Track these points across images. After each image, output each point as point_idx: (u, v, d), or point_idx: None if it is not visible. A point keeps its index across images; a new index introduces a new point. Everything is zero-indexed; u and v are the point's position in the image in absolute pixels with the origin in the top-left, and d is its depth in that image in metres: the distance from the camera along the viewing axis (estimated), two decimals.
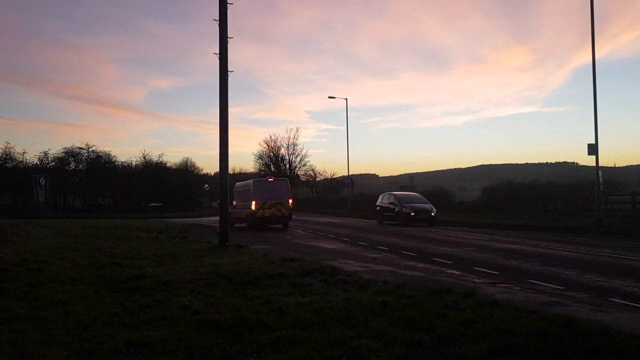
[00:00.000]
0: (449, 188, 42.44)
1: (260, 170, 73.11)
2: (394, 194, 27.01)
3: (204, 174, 68.47)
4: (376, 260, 11.78)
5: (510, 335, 4.59)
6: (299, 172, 68.39)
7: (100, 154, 48.21)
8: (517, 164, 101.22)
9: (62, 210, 41.63)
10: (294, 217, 25.64)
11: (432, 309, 5.70)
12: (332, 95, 45.16)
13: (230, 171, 18.80)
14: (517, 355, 4.16)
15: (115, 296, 7.07)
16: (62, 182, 44.53)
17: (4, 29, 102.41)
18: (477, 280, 8.69)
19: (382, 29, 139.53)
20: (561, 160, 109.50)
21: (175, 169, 55.97)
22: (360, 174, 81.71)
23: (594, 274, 9.19)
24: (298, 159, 67.99)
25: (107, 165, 48.44)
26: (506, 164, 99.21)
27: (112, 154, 55.22)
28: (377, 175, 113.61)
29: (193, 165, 64.90)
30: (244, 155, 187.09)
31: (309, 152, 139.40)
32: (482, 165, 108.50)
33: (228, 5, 15.00)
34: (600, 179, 21.43)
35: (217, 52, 15.08)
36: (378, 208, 27.54)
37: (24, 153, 44.53)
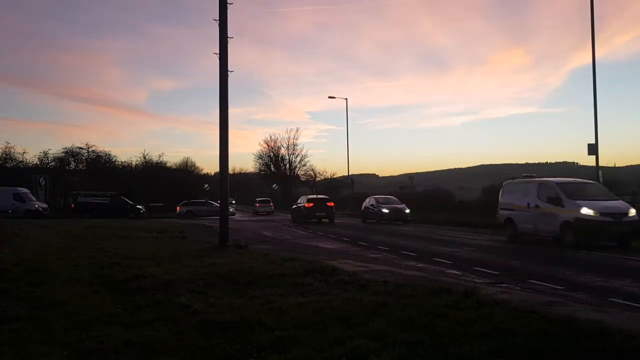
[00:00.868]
0: (449, 188, 42.53)
1: (260, 170, 73.29)
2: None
3: (204, 174, 68.63)
4: (376, 260, 11.78)
5: (510, 335, 4.59)
6: (299, 172, 68.55)
7: (100, 153, 48.29)
8: (517, 164, 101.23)
9: (62, 210, 41.61)
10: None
11: (432, 309, 5.70)
12: (332, 95, 45.25)
13: (230, 171, 18.81)
14: (517, 355, 4.16)
15: (115, 296, 7.07)
16: (62, 182, 44.53)
17: (10, 32, 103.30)
18: (477, 280, 8.69)
19: (382, 31, 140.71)
20: (561, 160, 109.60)
21: (175, 169, 56.01)
22: (360, 174, 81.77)
23: (593, 274, 9.19)
24: (298, 159, 68.18)
25: (107, 165, 48.46)
26: (506, 164, 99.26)
27: (112, 154, 55.21)
28: (377, 175, 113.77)
29: (193, 165, 65.10)
30: (245, 156, 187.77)
31: (310, 152, 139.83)
32: (482, 165, 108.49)
33: (228, 5, 15.01)
34: (600, 179, 21.42)
35: (217, 52, 15.10)
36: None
37: (24, 153, 44.60)
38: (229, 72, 15.15)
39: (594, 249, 12.81)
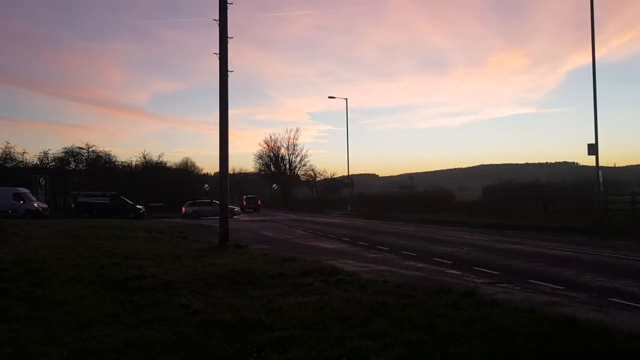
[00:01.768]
0: (449, 188, 42.45)
1: (260, 170, 73.29)
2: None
3: (204, 174, 68.55)
4: (376, 260, 11.78)
5: (510, 335, 4.59)
6: (299, 172, 68.53)
7: (100, 153, 48.27)
8: (517, 164, 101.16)
9: (62, 210, 41.62)
10: (293, 216, 25.73)
11: (432, 309, 5.70)
12: (332, 95, 45.29)
13: (230, 171, 18.81)
14: (517, 355, 4.16)
15: (115, 296, 7.07)
16: (62, 182, 44.54)
17: (15, 35, 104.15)
18: (477, 280, 8.69)
19: (382, 33, 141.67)
20: (561, 160, 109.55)
21: (175, 169, 56.00)
22: (360, 174, 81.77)
23: (594, 274, 9.19)
24: (298, 159, 68.16)
25: (107, 165, 48.45)
26: (506, 164, 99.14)
27: (113, 154, 55.26)
28: (377, 175, 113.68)
29: (193, 165, 65.00)
30: (245, 156, 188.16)
31: (310, 152, 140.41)
32: (482, 165, 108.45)
33: (228, 5, 15.04)
34: (600, 179, 21.43)
35: (217, 52, 15.11)
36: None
37: (23, 153, 44.62)
38: (229, 72, 15.17)
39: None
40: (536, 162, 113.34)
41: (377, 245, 14.97)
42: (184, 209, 37.22)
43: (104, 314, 5.91)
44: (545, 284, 8.30)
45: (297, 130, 78.71)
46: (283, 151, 69.15)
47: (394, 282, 7.67)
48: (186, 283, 7.78)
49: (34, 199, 33.62)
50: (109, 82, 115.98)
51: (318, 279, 7.98)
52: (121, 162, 50.61)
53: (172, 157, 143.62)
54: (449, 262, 11.20)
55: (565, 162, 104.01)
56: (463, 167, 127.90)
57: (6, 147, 43.25)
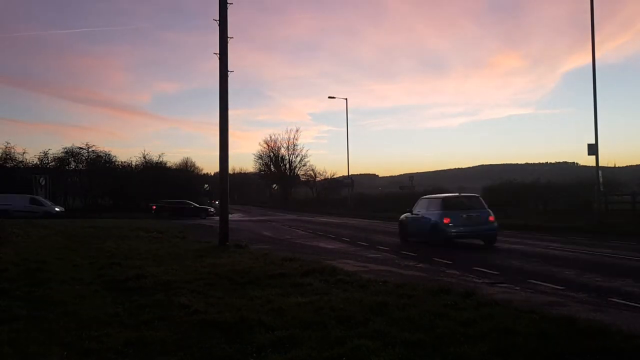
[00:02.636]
0: (449, 188, 42.42)
1: (260, 170, 73.30)
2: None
3: (204, 174, 68.62)
4: (376, 260, 11.78)
5: (510, 335, 4.59)
6: (299, 172, 68.55)
7: (100, 153, 48.24)
8: (517, 164, 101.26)
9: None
10: (293, 216, 25.61)
11: (432, 309, 5.70)
12: (332, 95, 45.29)
13: (230, 171, 18.82)
14: (517, 355, 4.16)
15: (115, 296, 7.07)
16: (62, 182, 44.52)
17: (20, 39, 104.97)
18: (477, 280, 8.69)
19: (381, 36, 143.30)
20: (561, 160, 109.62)
21: (175, 169, 55.96)
22: (360, 174, 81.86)
23: (594, 274, 9.19)
24: (298, 159, 68.18)
25: (107, 165, 48.44)
26: (506, 164, 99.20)
27: (113, 154, 55.24)
28: (377, 175, 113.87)
29: (193, 165, 65.05)
30: (246, 156, 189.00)
31: (311, 152, 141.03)
32: (482, 165, 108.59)
33: (228, 5, 15.05)
34: (600, 179, 21.42)
35: (218, 52, 15.12)
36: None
37: (24, 153, 44.62)
38: (229, 72, 15.18)
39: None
40: (536, 162, 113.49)
41: (377, 245, 14.97)
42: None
43: (104, 314, 5.90)
44: (545, 284, 8.29)
45: (297, 131, 78.74)
46: (283, 151, 69.23)
47: (394, 282, 7.66)
48: (186, 283, 7.78)
49: (50, 203, 36.62)
50: (111, 84, 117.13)
51: (318, 279, 7.98)
52: (121, 162, 50.64)
53: (173, 157, 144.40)
54: (449, 262, 11.20)
55: (565, 162, 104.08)
56: (463, 167, 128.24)
57: (6, 147, 43.26)
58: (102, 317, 5.75)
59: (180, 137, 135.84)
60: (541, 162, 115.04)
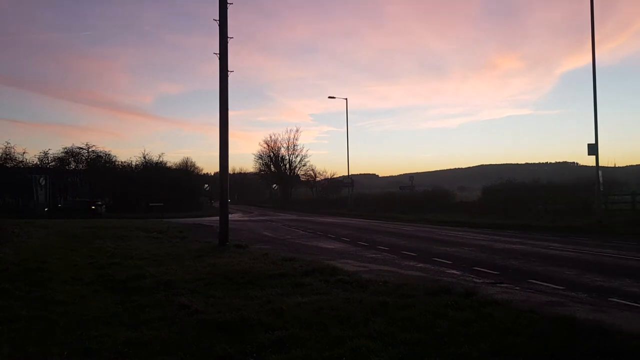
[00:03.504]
0: (449, 188, 42.49)
1: (260, 170, 73.28)
2: None
3: (204, 174, 68.66)
4: (376, 260, 11.78)
5: (510, 335, 4.59)
6: (299, 172, 68.53)
7: (100, 153, 48.32)
8: (517, 164, 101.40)
9: (62, 210, 41.60)
10: (293, 216, 25.62)
11: (432, 309, 5.70)
12: (332, 95, 45.32)
13: (230, 171, 18.82)
14: (517, 355, 4.16)
15: (115, 296, 7.07)
16: (62, 182, 44.53)
17: (26, 42, 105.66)
18: (477, 280, 8.69)
19: (381, 38, 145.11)
20: (561, 160, 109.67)
21: (175, 169, 56.00)
22: (360, 174, 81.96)
23: (594, 274, 9.19)
24: (298, 159, 68.13)
25: (107, 165, 48.48)
26: (506, 164, 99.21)
27: (113, 154, 55.31)
28: (377, 175, 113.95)
29: (193, 165, 65.07)
30: (247, 157, 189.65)
31: (311, 153, 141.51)
32: (482, 165, 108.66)
33: (228, 5, 15.06)
34: (600, 179, 21.43)
35: (218, 52, 15.13)
36: None
37: (24, 153, 44.61)
38: (229, 72, 15.18)
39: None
40: (536, 162, 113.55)
41: (377, 245, 14.97)
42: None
43: (104, 314, 5.91)
44: (545, 284, 8.29)
45: (297, 131, 78.58)
46: (283, 151, 69.21)
47: (394, 282, 7.66)
48: (186, 283, 7.78)
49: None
50: (114, 85, 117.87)
51: (318, 279, 7.98)
52: (121, 162, 50.68)
53: (175, 157, 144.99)
54: (449, 262, 11.20)
55: (565, 162, 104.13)
56: (463, 167, 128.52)
57: (6, 147, 43.26)
58: (102, 317, 5.75)
59: (182, 138, 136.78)
60: (541, 162, 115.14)
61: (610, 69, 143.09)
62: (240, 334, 4.92)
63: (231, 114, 15.30)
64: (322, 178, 65.92)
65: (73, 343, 4.78)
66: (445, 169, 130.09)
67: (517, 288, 7.84)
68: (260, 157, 71.29)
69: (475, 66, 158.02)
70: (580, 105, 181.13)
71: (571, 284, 8.33)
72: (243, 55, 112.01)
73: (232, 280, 7.97)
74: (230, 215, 17.01)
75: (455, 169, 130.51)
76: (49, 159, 45.53)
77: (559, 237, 17.13)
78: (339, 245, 15.64)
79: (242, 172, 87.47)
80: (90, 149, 47.34)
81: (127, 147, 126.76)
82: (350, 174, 48.30)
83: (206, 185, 58.78)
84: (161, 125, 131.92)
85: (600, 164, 21.49)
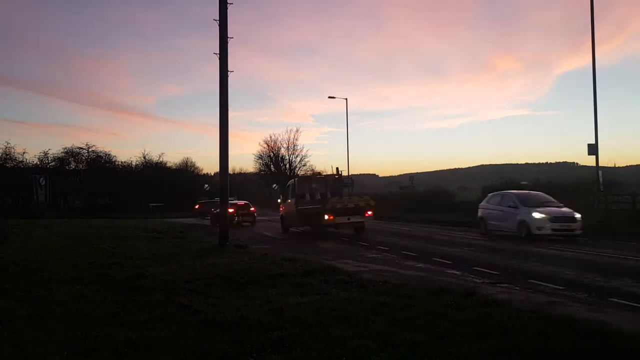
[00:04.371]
0: (449, 188, 42.45)
1: (260, 170, 73.19)
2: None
3: (204, 174, 68.55)
4: (376, 260, 11.78)
5: (510, 335, 4.59)
6: (299, 172, 68.43)
7: (100, 154, 48.38)
8: (517, 164, 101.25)
9: (62, 210, 41.63)
10: None
11: (432, 309, 5.69)
12: (332, 95, 45.23)
13: (230, 171, 18.82)
14: (517, 355, 4.16)
15: (115, 296, 7.07)
16: (62, 182, 44.55)
17: (29, 44, 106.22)
18: (477, 280, 8.69)
19: (381, 41, 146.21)
20: (561, 160, 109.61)
21: (175, 169, 56.00)
22: (360, 174, 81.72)
23: (594, 274, 9.18)
24: (298, 159, 67.96)
25: (107, 165, 48.49)
26: (506, 164, 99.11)
27: (113, 154, 55.27)
28: (377, 175, 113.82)
29: (193, 165, 65.01)
30: (248, 157, 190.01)
31: (313, 153, 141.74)
32: (482, 165, 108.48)
33: (228, 5, 15.06)
34: (600, 179, 21.41)
35: (218, 52, 15.14)
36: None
37: (24, 153, 44.65)
38: (229, 72, 15.20)
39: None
40: (536, 162, 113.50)
41: (377, 245, 14.97)
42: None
43: (104, 314, 5.91)
44: (545, 284, 8.29)
45: (297, 131, 78.21)
46: (283, 151, 68.98)
47: (394, 282, 7.66)
48: (186, 283, 7.78)
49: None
50: (117, 86, 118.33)
51: (318, 279, 7.98)
52: (121, 162, 50.69)
53: (175, 157, 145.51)
54: (449, 262, 11.20)
55: (565, 162, 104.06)
56: (463, 167, 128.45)
57: (6, 147, 43.28)
58: (102, 317, 5.75)
59: (183, 138, 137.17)
60: (541, 162, 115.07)
61: (608, 69, 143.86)
62: (240, 334, 4.91)
63: (232, 114, 15.34)
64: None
65: (73, 343, 4.78)
66: (445, 169, 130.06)
67: (517, 288, 7.83)
68: (260, 157, 71.13)
69: (474, 68, 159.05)
70: (579, 105, 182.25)
71: (571, 284, 8.32)
72: (244, 56, 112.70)
73: (232, 280, 7.97)
74: None
75: (455, 169, 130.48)
76: (49, 159, 45.63)
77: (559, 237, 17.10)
78: (339, 245, 15.63)
79: (243, 172, 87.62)
80: (90, 149, 47.44)
81: (128, 148, 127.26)
82: (350, 174, 48.24)
83: (206, 185, 58.70)
84: (162, 126, 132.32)
85: (600, 164, 21.48)
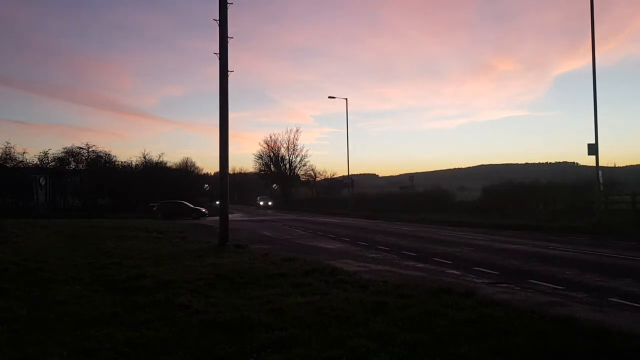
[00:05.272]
0: (449, 188, 42.44)
1: (260, 170, 73.22)
2: None
3: (204, 174, 68.59)
4: (376, 260, 11.78)
5: (510, 335, 4.59)
6: (299, 172, 68.45)
7: (100, 153, 48.22)
8: (517, 164, 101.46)
9: (62, 210, 41.62)
10: (293, 216, 25.65)
11: (432, 309, 5.70)
12: (332, 95, 45.26)
13: (230, 171, 18.82)
14: (517, 355, 4.16)
15: (115, 296, 7.07)
16: (62, 182, 44.51)
17: (33, 46, 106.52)
18: (477, 280, 8.69)
19: (381, 43, 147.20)
20: (561, 160, 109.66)
21: (175, 169, 55.93)
22: (360, 174, 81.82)
23: (594, 274, 9.19)
24: (298, 159, 68.01)
25: (107, 165, 48.43)
26: (506, 164, 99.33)
27: (113, 154, 55.31)
28: (377, 175, 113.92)
29: (193, 165, 64.97)
30: (249, 157, 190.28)
31: (313, 153, 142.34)
32: (482, 165, 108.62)
33: (228, 5, 15.07)
34: (600, 179, 21.42)
35: (218, 52, 15.14)
36: None
37: (24, 153, 44.55)
38: (229, 72, 15.19)
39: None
40: (536, 162, 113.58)
41: (377, 245, 14.97)
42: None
43: (104, 314, 5.90)
44: (545, 284, 8.29)
45: (297, 131, 78.37)
46: (283, 151, 69.05)
47: (394, 282, 7.66)
48: (186, 283, 7.78)
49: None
50: (119, 87, 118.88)
51: (318, 279, 7.98)
52: (121, 162, 50.62)
53: (175, 158, 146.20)
54: (449, 262, 11.20)
55: (565, 162, 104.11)
56: (463, 167, 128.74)
57: (6, 147, 43.23)
58: (102, 317, 5.75)
59: (183, 138, 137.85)
60: (541, 162, 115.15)
61: (607, 70, 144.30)
62: (240, 334, 4.91)
63: (232, 114, 15.37)
64: (322, 178, 65.88)
65: (73, 343, 4.77)
66: (445, 169, 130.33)
67: (517, 288, 7.84)
68: (261, 157, 71.22)
69: (473, 69, 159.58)
70: (578, 106, 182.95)
71: (571, 284, 8.33)
72: (244, 57, 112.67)
73: (232, 280, 7.97)
74: (230, 215, 17.00)
75: (455, 169, 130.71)
76: (49, 159, 45.47)
77: (559, 237, 17.13)
78: (339, 245, 15.64)
79: (243, 172, 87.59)
80: (90, 149, 47.30)
81: (129, 148, 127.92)
82: (350, 174, 48.26)
83: (206, 185, 58.75)
84: (163, 126, 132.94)
85: (600, 164, 21.48)
